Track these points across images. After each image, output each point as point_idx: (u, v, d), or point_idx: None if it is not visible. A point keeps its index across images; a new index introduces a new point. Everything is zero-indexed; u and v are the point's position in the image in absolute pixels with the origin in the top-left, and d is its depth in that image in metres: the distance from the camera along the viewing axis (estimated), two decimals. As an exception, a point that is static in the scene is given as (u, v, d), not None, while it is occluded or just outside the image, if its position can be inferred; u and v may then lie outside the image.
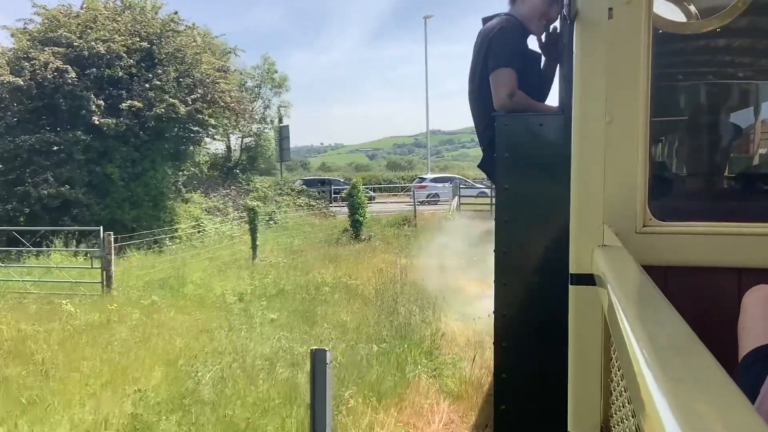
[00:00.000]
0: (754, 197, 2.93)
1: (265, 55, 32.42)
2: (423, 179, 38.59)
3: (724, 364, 0.68)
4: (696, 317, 1.05)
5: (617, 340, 0.98)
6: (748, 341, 1.17)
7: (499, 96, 2.83)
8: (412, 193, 26.17)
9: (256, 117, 31.38)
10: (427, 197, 32.95)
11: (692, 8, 3.05)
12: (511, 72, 2.84)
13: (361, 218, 18.91)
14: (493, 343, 2.57)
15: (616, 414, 1.24)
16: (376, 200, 34.34)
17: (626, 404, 1.03)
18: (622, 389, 1.10)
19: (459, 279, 10.65)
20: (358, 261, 13.85)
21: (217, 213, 22.96)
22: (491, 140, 2.66)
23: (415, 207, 23.89)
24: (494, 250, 2.54)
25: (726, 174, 3.38)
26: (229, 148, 31.55)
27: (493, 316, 2.55)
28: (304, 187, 31.56)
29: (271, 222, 23.00)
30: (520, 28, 2.98)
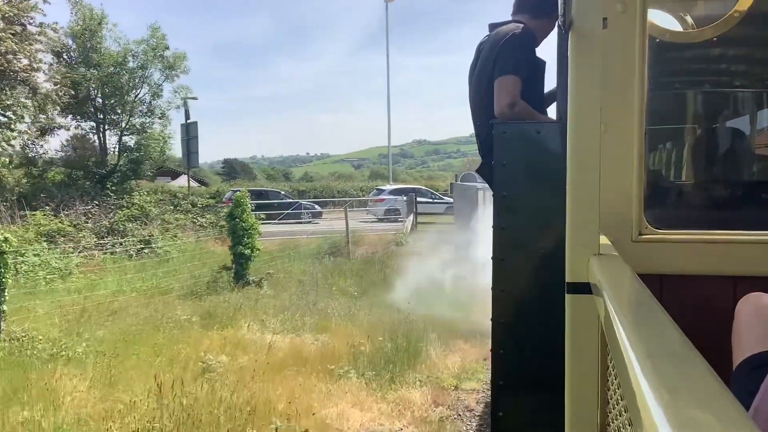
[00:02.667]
0: (750, 206, 2.95)
1: (154, 25, 24.33)
2: (381, 191, 32.19)
3: (719, 373, 0.69)
4: (691, 325, 1.05)
5: (613, 348, 0.98)
6: (741, 350, 1.18)
7: (500, 104, 2.83)
8: (345, 210, 20.16)
9: (142, 108, 24.30)
10: (385, 213, 27.81)
11: (688, 18, 3.08)
12: (516, 80, 2.83)
13: (248, 251, 13.11)
14: (491, 349, 2.57)
15: (613, 422, 1.24)
16: (323, 217, 29.05)
17: (623, 413, 1.03)
18: (619, 397, 1.10)
19: (347, 411, 5.66)
20: (172, 344, 7.90)
21: (64, 238, 16.50)
22: (491, 147, 2.66)
23: (347, 229, 18.03)
24: (491, 257, 2.55)
25: (722, 182, 3.39)
26: (103, 148, 24.03)
27: (490, 322, 2.56)
28: (211, 201, 25.26)
29: (145, 251, 16.82)
30: (531, 36, 2.98)
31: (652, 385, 0.66)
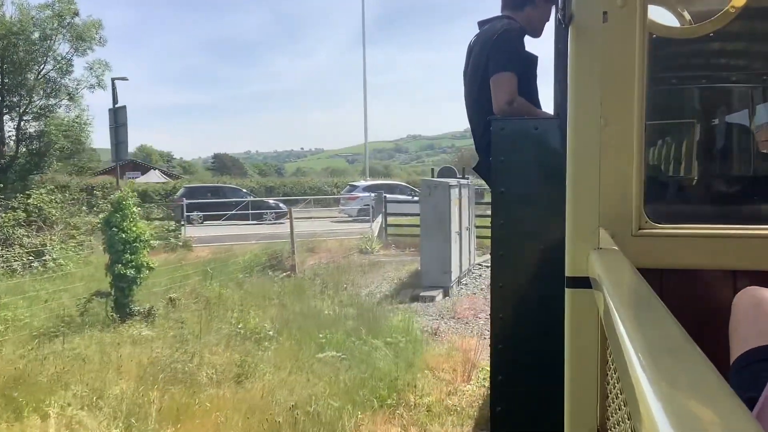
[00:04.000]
0: (749, 200, 2.95)
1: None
2: (354, 187, 28.53)
3: (719, 367, 0.69)
4: (691, 320, 1.05)
5: (613, 342, 0.98)
6: (739, 344, 1.18)
7: (498, 101, 2.84)
8: (289, 211, 16.16)
9: (46, 88, 19.90)
10: (359, 212, 24.55)
11: (685, 14, 3.08)
12: (512, 77, 2.84)
13: (131, 271, 9.36)
14: (490, 345, 2.58)
15: (612, 416, 1.24)
16: (286, 217, 24.02)
17: (622, 407, 1.04)
18: (618, 392, 1.10)
19: None
20: None
21: None
22: (490, 144, 2.67)
23: (292, 235, 14.09)
24: (490, 253, 2.56)
25: (721, 177, 3.40)
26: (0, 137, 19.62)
27: (489, 318, 2.57)
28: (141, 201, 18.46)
29: (35, 264, 13.10)
30: (521, 31, 2.99)
31: (651, 380, 0.66)
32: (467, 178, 14.04)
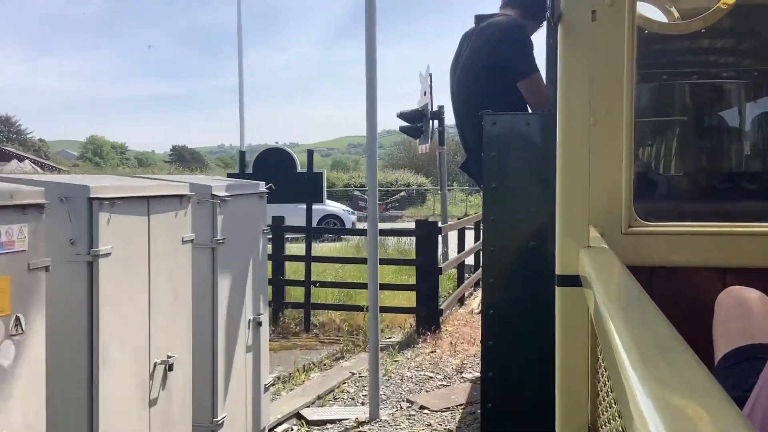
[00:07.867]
0: (739, 197, 2.97)
1: None
2: None
3: (709, 364, 0.69)
4: (681, 317, 1.06)
5: (603, 340, 0.98)
6: (723, 343, 1.18)
7: (540, 101, 2.85)
8: None
9: None
10: None
11: (673, 10, 3.09)
12: (542, 78, 2.86)
13: None
14: (480, 341, 2.58)
15: (603, 414, 1.25)
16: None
17: (613, 404, 1.04)
18: (609, 389, 1.11)
19: None
20: None
21: None
22: (480, 139, 2.66)
23: None
24: (482, 249, 2.56)
25: (710, 174, 3.41)
26: None
27: (480, 314, 2.57)
28: None
29: None
30: (527, 30, 3.01)
31: (640, 377, 0.66)
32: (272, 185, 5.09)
